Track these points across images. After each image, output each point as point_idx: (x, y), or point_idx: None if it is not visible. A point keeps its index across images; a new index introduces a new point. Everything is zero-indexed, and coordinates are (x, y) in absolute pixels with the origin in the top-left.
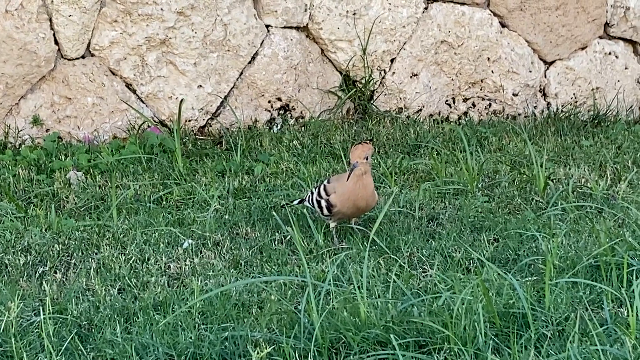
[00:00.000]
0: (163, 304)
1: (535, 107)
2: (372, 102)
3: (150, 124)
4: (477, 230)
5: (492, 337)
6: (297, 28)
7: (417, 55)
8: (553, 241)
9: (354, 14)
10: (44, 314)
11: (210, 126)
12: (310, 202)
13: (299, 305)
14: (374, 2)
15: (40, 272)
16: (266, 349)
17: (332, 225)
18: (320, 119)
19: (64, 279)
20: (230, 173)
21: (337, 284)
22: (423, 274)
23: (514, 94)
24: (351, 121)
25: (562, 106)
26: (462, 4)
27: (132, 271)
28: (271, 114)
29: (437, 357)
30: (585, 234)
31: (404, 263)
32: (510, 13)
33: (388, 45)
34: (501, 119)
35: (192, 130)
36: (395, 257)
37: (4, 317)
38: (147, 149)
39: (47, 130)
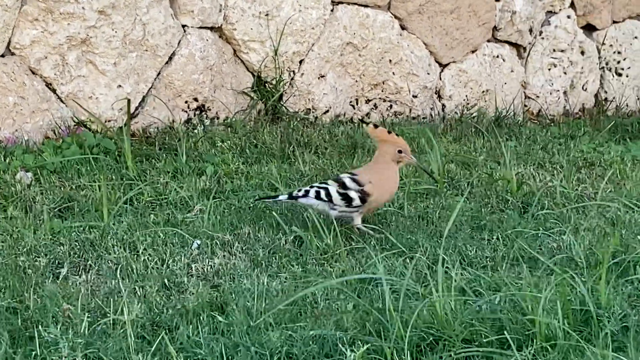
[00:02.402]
0: (215, 305)
1: (432, 109)
2: (281, 102)
3: (78, 125)
4: (477, 229)
5: (569, 333)
6: (212, 28)
7: (325, 57)
8: (580, 237)
9: (267, 14)
10: (123, 316)
11: (130, 126)
12: (327, 196)
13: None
14: (285, 3)
15: (63, 274)
16: (362, 347)
17: (358, 220)
18: (236, 119)
19: (86, 281)
20: (185, 174)
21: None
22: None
23: (413, 96)
24: (264, 122)
25: (455, 107)
26: (366, 6)
27: (157, 272)
28: (188, 115)
29: (526, 353)
30: (585, 231)
31: (428, 262)
32: (410, 16)
33: (298, 46)
34: (402, 120)
35: (113, 130)
36: (420, 256)
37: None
38: (88, 150)
39: None
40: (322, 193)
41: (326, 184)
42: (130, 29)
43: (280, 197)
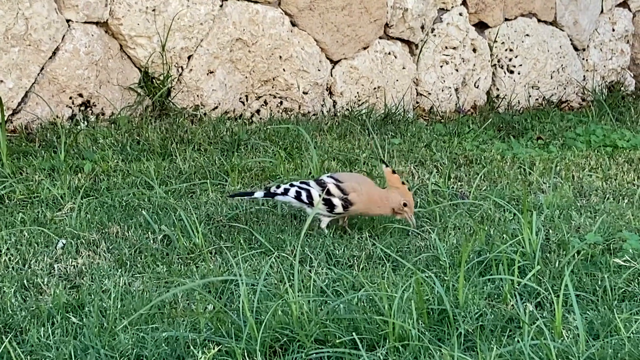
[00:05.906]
0: (72, 306)
1: (323, 105)
2: (169, 99)
3: None
4: (348, 228)
5: (423, 333)
6: (97, 23)
7: (214, 53)
8: (445, 236)
9: (154, 10)
10: None
11: (12, 122)
12: (308, 199)
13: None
14: None
15: None
16: (213, 349)
17: (325, 222)
18: (121, 115)
19: None
20: (62, 171)
21: (250, 281)
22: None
23: (304, 92)
24: (150, 118)
25: (347, 104)
26: (256, 2)
27: (17, 272)
28: (72, 110)
29: (378, 354)
30: (452, 230)
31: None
32: (300, 12)
33: (186, 42)
34: (292, 116)
35: None
36: (286, 255)
37: None
38: None
39: None
40: (304, 195)
41: (307, 185)
42: (12, 24)
43: (256, 194)
